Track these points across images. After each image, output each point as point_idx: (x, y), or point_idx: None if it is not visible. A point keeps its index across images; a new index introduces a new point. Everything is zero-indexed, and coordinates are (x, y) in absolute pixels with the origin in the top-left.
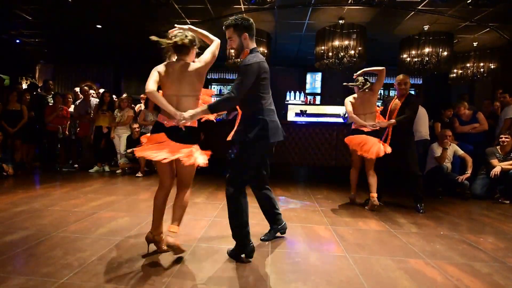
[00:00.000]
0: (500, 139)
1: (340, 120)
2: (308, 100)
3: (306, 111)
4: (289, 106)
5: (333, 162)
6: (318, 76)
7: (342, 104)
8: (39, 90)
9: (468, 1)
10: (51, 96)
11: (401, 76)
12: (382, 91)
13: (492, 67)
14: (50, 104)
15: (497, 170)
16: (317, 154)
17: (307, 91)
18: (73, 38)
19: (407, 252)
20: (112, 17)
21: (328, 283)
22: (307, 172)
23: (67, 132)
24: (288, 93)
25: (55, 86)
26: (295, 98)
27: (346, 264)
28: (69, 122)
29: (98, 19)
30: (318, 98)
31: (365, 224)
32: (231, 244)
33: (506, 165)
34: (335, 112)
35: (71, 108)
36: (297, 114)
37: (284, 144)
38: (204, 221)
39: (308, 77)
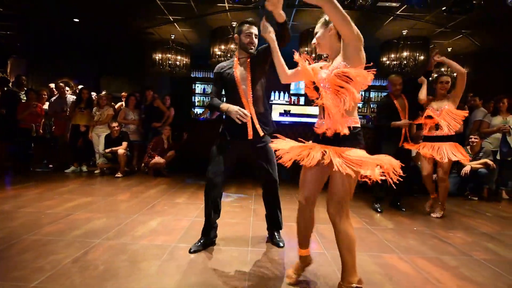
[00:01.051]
0: (469, 140)
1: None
2: (292, 100)
3: (290, 111)
4: (273, 106)
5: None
6: None
7: None
8: (10, 85)
9: (443, 8)
10: (23, 92)
11: (397, 77)
12: (363, 93)
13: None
14: (23, 100)
15: (467, 169)
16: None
17: (291, 92)
18: (49, 31)
19: (382, 248)
20: (91, 11)
21: (305, 280)
22: (290, 171)
23: (41, 131)
24: (272, 93)
25: (29, 82)
26: (279, 98)
27: (325, 260)
28: (43, 120)
29: (76, 13)
30: (302, 98)
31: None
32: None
33: (475, 164)
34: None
35: (46, 105)
36: (281, 114)
37: None
38: (184, 221)
39: None
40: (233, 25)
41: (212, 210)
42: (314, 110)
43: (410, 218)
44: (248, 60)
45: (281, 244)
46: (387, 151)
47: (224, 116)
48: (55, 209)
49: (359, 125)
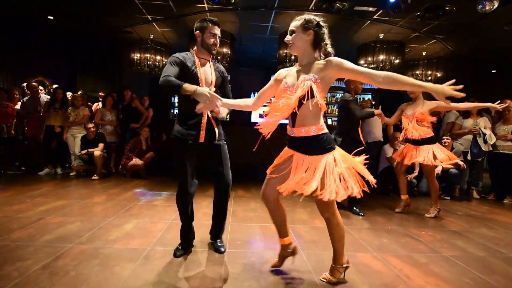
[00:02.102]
0: (442, 141)
1: None
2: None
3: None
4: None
5: None
6: None
7: None
8: None
9: (417, 14)
10: None
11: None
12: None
13: (438, 75)
14: None
15: (438, 169)
16: (278, 155)
17: None
18: (21, 28)
19: (356, 247)
20: (66, 8)
21: (280, 280)
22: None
23: (12, 132)
24: (252, 94)
25: None
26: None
27: (300, 260)
28: (15, 121)
29: (49, 10)
30: None
31: (321, 222)
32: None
33: (446, 164)
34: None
35: (18, 105)
36: (261, 116)
37: (246, 144)
38: (161, 224)
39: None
40: None
41: (190, 217)
42: None
43: (385, 218)
44: (211, 62)
45: (223, 250)
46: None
47: (177, 112)
48: (25, 213)
49: (325, 131)
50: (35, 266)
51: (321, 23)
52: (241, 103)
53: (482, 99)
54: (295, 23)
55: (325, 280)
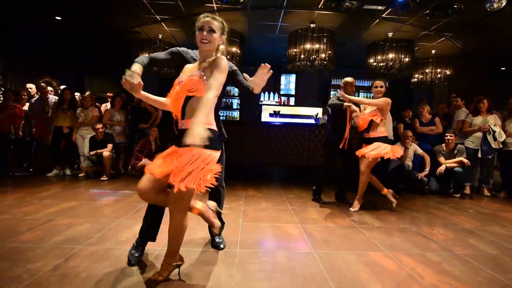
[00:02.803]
0: (445, 137)
1: (312, 121)
2: (282, 101)
3: (279, 111)
4: (263, 106)
5: (304, 162)
6: (292, 77)
7: (314, 105)
8: None
9: (426, 12)
10: (0, 92)
11: (352, 79)
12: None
13: (447, 73)
14: (0, 101)
15: (441, 168)
16: (289, 155)
17: (281, 92)
18: (29, 29)
19: (368, 246)
20: (75, 9)
21: (292, 280)
22: (280, 172)
23: (20, 133)
24: (262, 93)
25: (6, 82)
26: (269, 99)
27: (312, 260)
28: (23, 122)
29: (57, 10)
30: (292, 99)
31: (332, 221)
32: (197, 247)
33: (450, 163)
34: (308, 113)
35: (26, 107)
36: (271, 115)
37: (257, 144)
38: None
39: (283, 78)
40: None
41: (160, 214)
42: (304, 110)
43: (396, 217)
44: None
45: (222, 246)
46: (331, 154)
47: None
48: (34, 215)
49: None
50: (45, 268)
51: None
52: (160, 100)
53: (491, 97)
54: (217, 23)
55: (153, 278)
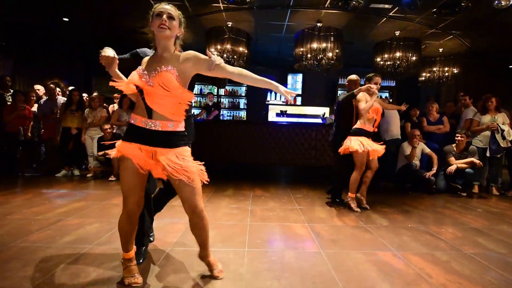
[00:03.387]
0: (456, 138)
1: (319, 121)
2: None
3: (286, 111)
4: (269, 106)
5: (312, 162)
6: (299, 77)
7: (321, 105)
8: None
9: (433, 10)
10: (9, 94)
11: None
12: None
13: (455, 71)
14: (9, 103)
15: (452, 168)
16: (297, 154)
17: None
18: (37, 31)
19: (376, 245)
20: (82, 10)
21: (301, 279)
22: (287, 171)
23: (29, 134)
24: (269, 93)
25: (15, 83)
26: (275, 99)
27: (320, 259)
28: (31, 123)
29: (65, 12)
30: (298, 98)
31: (340, 220)
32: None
33: (461, 164)
34: (315, 113)
35: (34, 108)
36: (277, 114)
37: (264, 144)
38: (180, 224)
39: (289, 78)
40: (229, 25)
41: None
42: (311, 110)
43: (404, 216)
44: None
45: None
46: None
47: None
48: (44, 215)
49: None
50: (56, 267)
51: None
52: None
53: (499, 95)
54: (176, 13)
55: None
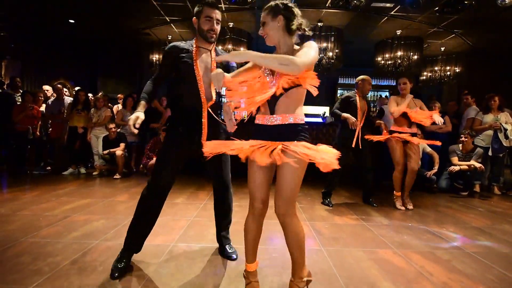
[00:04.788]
0: (460, 139)
1: (320, 120)
2: None
3: None
4: None
5: None
6: None
7: (321, 104)
8: (5, 87)
9: (435, 9)
10: (19, 94)
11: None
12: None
13: (457, 70)
14: (18, 103)
15: (455, 168)
16: None
17: None
18: (44, 33)
19: (377, 243)
20: (87, 12)
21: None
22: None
23: (38, 133)
24: None
25: (24, 83)
26: None
27: (321, 257)
28: (40, 122)
29: (71, 14)
30: None
31: (340, 218)
32: (210, 243)
33: (464, 164)
34: (315, 112)
35: (43, 107)
36: None
37: None
38: (183, 221)
39: None
40: (230, 25)
41: (151, 224)
42: (311, 109)
43: (405, 214)
44: (214, 53)
45: (234, 256)
46: (343, 151)
47: (174, 106)
48: (52, 211)
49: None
50: (64, 261)
51: (290, 5)
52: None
53: (502, 94)
54: (264, 13)
55: None
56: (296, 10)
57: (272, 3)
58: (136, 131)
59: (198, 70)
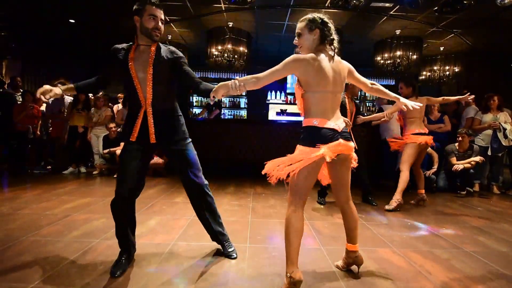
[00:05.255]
0: (457, 138)
1: None
2: (289, 99)
3: (286, 110)
4: (270, 105)
5: None
6: None
7: None
8: (5, 87)
9: (434, 8)
10: (19, 94)
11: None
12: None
13: (456, 70)
14: (19, 102)
15: (459, 167)
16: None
17: (287, 91)
18: (44, 32)
19: (376, 242)
20: (87, 11)
21: (302, 274)
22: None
23: (38, 132)
24: (269, 92)
25: (24, 83)
26: (276, 98)
27: (321, 256)
28: (40, 122)
29: (71, 14)
30: None
31: (340, 217)
32: (209, 242)
33: (464, 163)
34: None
35: (43, 107)
36: (277, 113)
37: (265, 142)
38: (183, 220)
39: (289, 77)
40: (229, 25)
41: (129, 228)
42: None
43: (404, 214)
44: (153, 49)
45: (235, 255)
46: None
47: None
48: (53, 210)
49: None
50: (65, 260)
51: (326, 20)
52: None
53: (501, 94)
54: (300, 24)
55: None
56: (332, 27)
57: (310, 16)
58: (43, 98)
59: (133, 68)
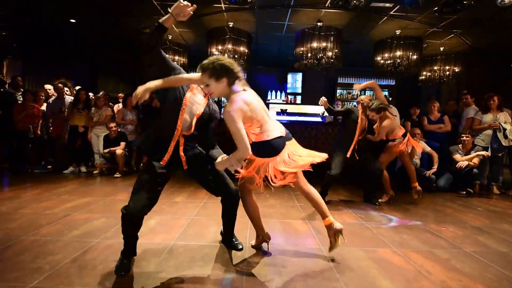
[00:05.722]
0: (461, 138)
1: (319, 119)
2: (289, 99)
3: (286, 110)
4: (270, 105)
5: None
6: (299, 76)
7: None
8: (6, 87)
9: (434, 9)
10: (20, 93)
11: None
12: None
13: (456, 70)
14: (20, 102)
15: (463, 164)
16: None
17: (288, 91)
18: (45, 32)
19: (376, 243)
20: (87, 11)
21: (302, 275)
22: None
23: (38, 132)
24: (269, 92)
25: (25, 83)
26: (276, 98)
27: (321, 256)
28: (41, 121)
29: (71, 13)
30: (298, 97)
31: (339, 217)
32: (209, 241)
33: (471, 157)
34: (314, 111)
35: (44, 107)
36: (278, 113)
37: None
38: (183, 220)
39: (289, 77)
40: (230, 25)
41: (135, 242)
42: (310, 109)
43: (404, 214)
44: (207, 98)
45: (240, 246)
46: (338, 157)
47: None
48: (53, 209)
49: None
50: (64, 260)
51: (227, 65)
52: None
53: (501, 94)
54: (204, 76)
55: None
56: (234, 65)
57: (209, 64)
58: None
59: (185, 102)
